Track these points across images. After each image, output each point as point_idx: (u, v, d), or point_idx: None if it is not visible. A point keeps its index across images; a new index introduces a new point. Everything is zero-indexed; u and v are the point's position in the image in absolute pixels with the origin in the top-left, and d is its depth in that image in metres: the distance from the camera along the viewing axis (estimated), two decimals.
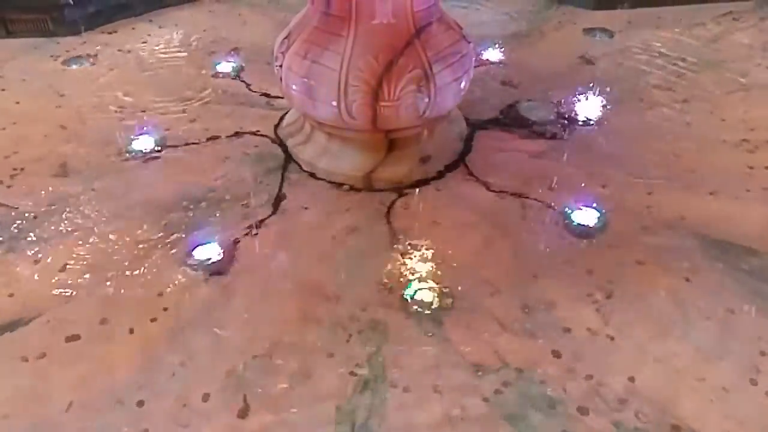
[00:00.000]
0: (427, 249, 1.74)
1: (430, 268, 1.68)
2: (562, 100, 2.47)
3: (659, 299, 1.61)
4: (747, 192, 1.99)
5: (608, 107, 2.44)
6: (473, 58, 2.02)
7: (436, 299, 1.59)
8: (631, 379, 1.40)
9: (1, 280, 1.65)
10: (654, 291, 1.63)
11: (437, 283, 1.63)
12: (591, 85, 2.53)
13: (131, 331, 1.51)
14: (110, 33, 3.06)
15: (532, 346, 1.48)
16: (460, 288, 1.62)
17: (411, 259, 1.71)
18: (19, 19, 2.95)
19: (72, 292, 1.61)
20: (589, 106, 2.43)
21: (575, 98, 2.47)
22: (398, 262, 1.70)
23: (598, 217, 1.85)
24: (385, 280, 1.64)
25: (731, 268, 1.69)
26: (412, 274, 1.66)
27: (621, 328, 1.52)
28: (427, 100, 1.84)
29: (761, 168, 2.09)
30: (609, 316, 1.55)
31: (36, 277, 1.66)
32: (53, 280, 1.64)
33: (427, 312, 1.56)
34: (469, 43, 1.99)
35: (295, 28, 1.94)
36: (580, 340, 1.50)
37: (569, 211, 1.87)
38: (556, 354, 1.46)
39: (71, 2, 2.90)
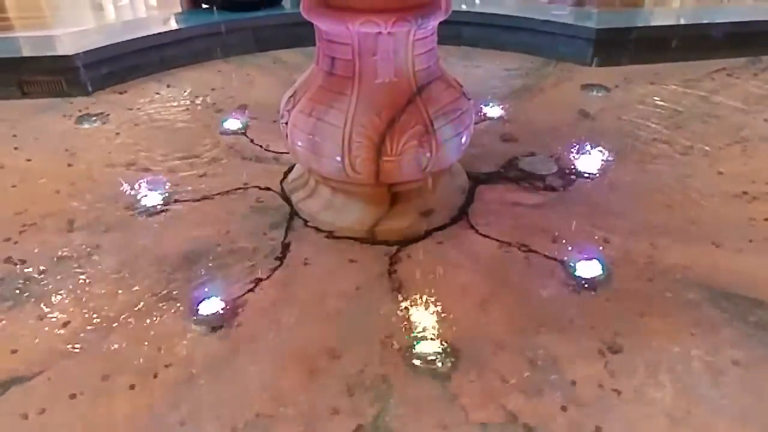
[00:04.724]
0: (430, 303, 1.74)
1: (434, 323, 1.67)
2: (563, 154, 2.51)
3: (666, 352, 1.58)
4: (750, 243, 1.99)
5: (608, 160, 2.47)
6: (473, 114, 2.08)
7: (441, 355, 1.57)
8: None
9: (5, 335, 1.65)
10: (661, 344, 1.61)
11: (442, 338, 1.62)
12: (591, 138, 2.57)
13: (132, 387, 1.49)
14: (121, 93, 3.16)
15: (539, 401, 1.45)
16: (464, 343, 1.60)
17: (415, 313, 1.71)
18: (34, 81, 3.07)
19: (75, 348, 1.60)
20: (589, 160, 2.47)
21: (575, 152, 2.52)
22: (402, 317, 1.70)
23: (602, 269, 1.85)
24: (389, 336, 1.63)
25: (738, 320, 1.67)
26: (417, 329, 1.65)
27: (628, 383, 1.50)
28: (428, 154, 1.88)
29: (762, 220, 2.10)
30: (616, 370, 1.53)
31: (40, 332, 1.65)
32: (57, 336, 1.64)
33: (432, 368, 1.54)
34: (470, 99, 2.05)
35: (300, 87, 2.01)
36: (588, 394, 1.47)
37: (572, 264, 1.88)
38: (565, 409, 1.43)
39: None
